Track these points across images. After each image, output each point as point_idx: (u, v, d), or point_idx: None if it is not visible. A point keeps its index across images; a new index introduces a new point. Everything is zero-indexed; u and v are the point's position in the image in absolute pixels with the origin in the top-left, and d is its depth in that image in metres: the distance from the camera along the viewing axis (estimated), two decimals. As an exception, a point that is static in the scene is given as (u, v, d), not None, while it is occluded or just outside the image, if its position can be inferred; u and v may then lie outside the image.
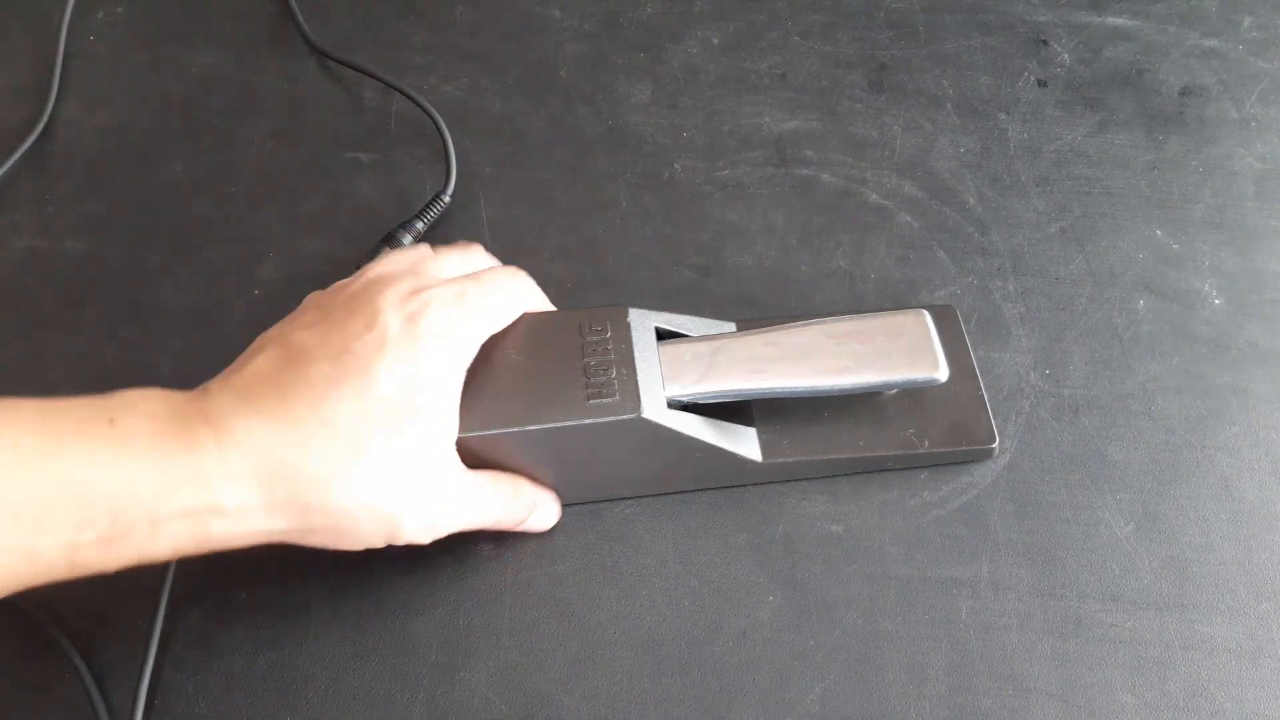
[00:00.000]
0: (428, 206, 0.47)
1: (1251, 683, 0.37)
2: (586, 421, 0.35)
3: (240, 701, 0.36)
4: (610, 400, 0.35)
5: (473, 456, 0.35)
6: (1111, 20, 0.57)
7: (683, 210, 0.49)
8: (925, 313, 0.39)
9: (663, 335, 0.40)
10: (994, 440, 0.41)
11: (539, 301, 0.40)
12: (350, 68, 0.53)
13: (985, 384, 0.42)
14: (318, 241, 0.48)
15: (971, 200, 0.50)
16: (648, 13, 0.57)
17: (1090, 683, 0.37)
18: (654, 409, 0.36)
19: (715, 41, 0.56)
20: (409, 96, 0.51)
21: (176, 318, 0.46)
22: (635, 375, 0.36)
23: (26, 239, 0.48)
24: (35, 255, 0.48)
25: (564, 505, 0.41)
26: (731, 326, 0.43)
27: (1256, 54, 0.55)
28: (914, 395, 0.42)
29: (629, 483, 0.41)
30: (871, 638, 0.38)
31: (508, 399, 0.36)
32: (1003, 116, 0.53)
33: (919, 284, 0.47)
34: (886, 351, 0.38)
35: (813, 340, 0.39)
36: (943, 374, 0.38)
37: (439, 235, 0.48)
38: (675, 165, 0.51)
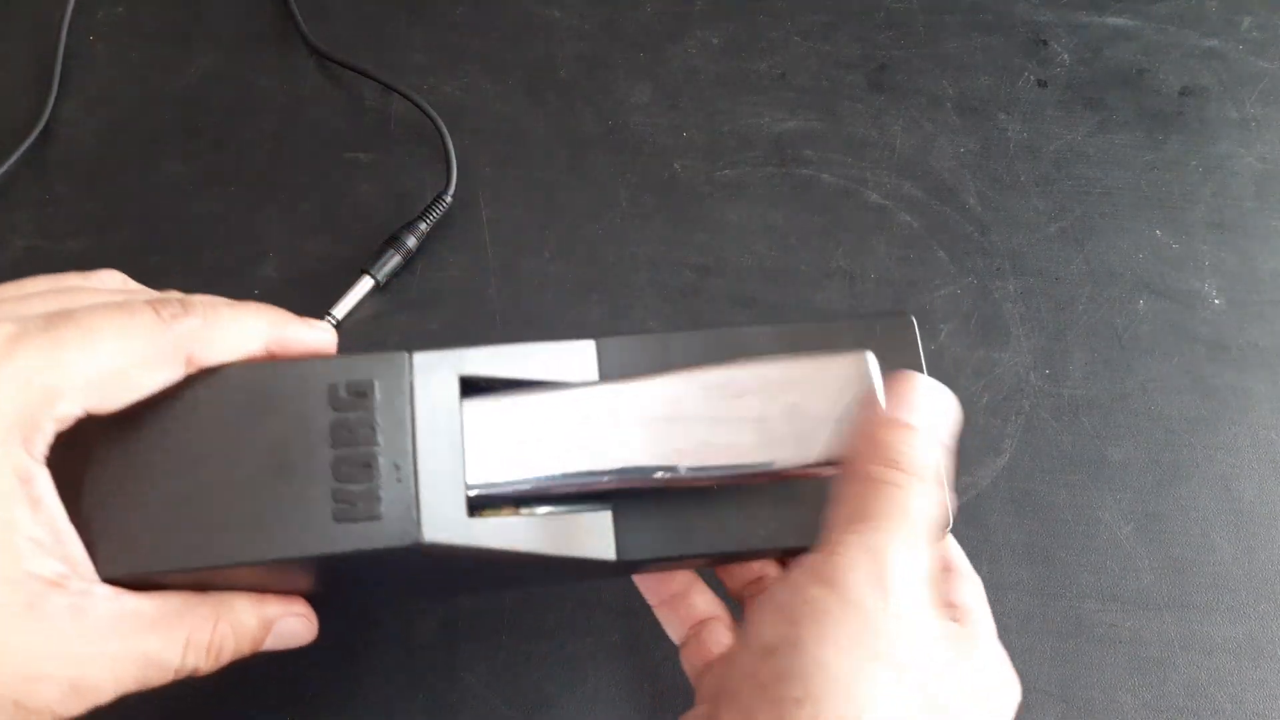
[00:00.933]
0: (430, 207, 0.47)
1: (1251, 683, 0.37)
2: (331, 552, 0.24)
3: (240, 701, 0.36)
4: (369, 524, 0.24)
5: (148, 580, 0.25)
6: (1111, 20, 0.57)
7: (683, 210, 0.49)
8: (868, 358, 0.28)
9: (475, 386, 0.28)
10: (948, 524, 0.29)
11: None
12: (349, 69, 0.53)
13: (985, 384, 0.42)
14: (318, 241, 0.48)
15: (971, 200, 0.50)
16: (648, 13, 0.57)
17: (1090, 683, 0.37)
18: (443, 524, 0.25)
19: (715, 41, 0.56)
20: (408, 98, 0.51)
21: (176, 318, 0.46)
22: (414, 471, 0.24)
23: (26, 239, 0.48)
24: (35, 255, 0.48)
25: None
26: (589, 351, 0.29)
27: (1256, 54, 0.55)
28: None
29: (437, 592, 0.32)
30: (871, 638, 0.38)
31: (192, 511, 0.24)
32: (1003, 116, 0.53)
33: (919, 284, 0.47)
34: (798, 418, 0.27)
35: (694, 396, 0.27)
36: None
37: (440, 235, 0.48)
38: (675, 165, 0.51)
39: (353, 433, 0.24)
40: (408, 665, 0.37)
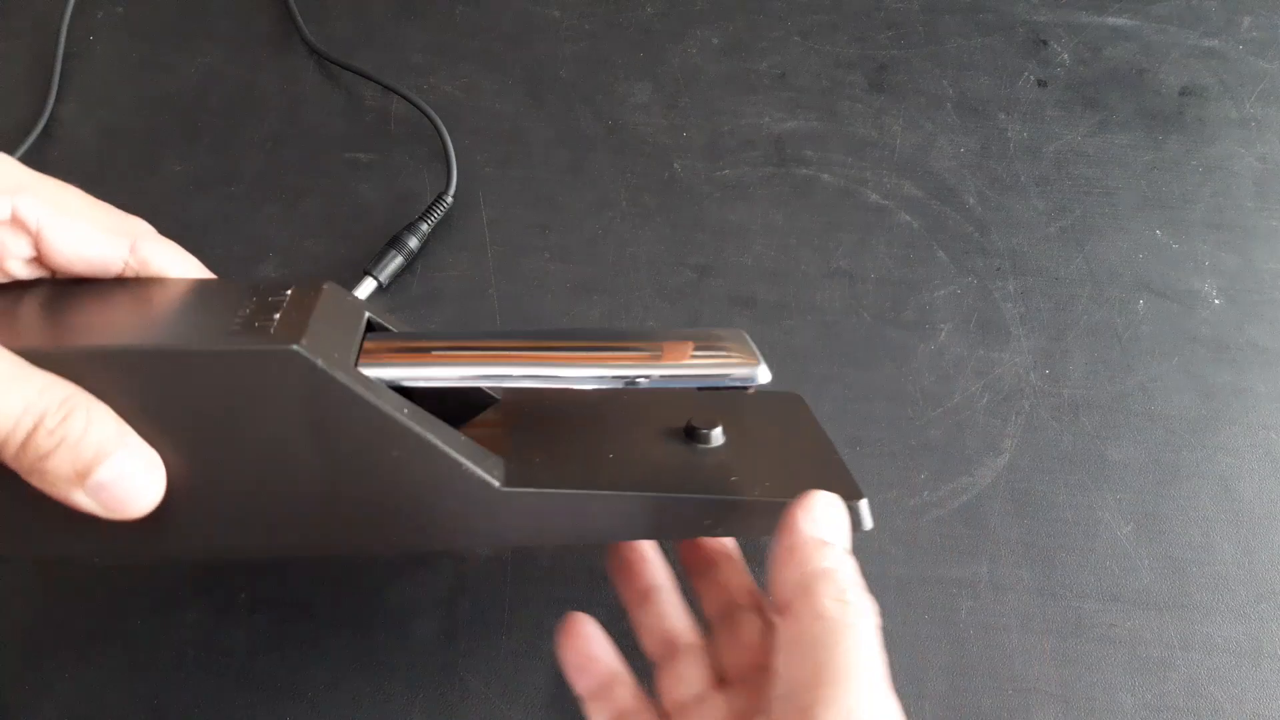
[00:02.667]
0: (431, 208, 0.47)
1: (1251, 683, 0.37)
2: (212, 351, 0.24)
3: (241, 701, 0.36)
4: (256, 335, 0.24)
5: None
6: (1111, 20, 0.57)
7: (683, 210, 0.49)
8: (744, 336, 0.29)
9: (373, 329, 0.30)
10: (860, 496, 0.30)
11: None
12: (349, 69, 0.53)
13: (985, 384, 0.42)
14: (318, 241, 0.48)
15: (971, 200, 0.50)
16: (648, 13, 0.57)
17: (1090, 683, 0.37)
18: (328, 356, 0.25)
19: (715, 41, 0.56)
20: (408, 98, 0.51)
21: (176, 318, 0.46)
22: (309, 317, 0.25)
23: (26, 239, 0.48)
24: (35, 255, 0.48)
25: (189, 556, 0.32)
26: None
27: (1256, 54, 0.55)
28: (744, 446, 0.32)
29: (283, 527, 0.28)
30: (871, 638, 0.38)
31: (110, 316, 0.26)
32: (1003, 116, 0.53)
33: (919, 284, 0.47)
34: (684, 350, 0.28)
35: (579, 339, 0.29)
36: (763, 374, 0.28)
37: (440, 236, 0.48)
38: (675, 165, 0.51)
39: (263, 300, 0.26)
40: (408, 665, 0.37)
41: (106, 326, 0.26)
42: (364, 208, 0.49)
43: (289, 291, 0.27)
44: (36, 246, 0.29)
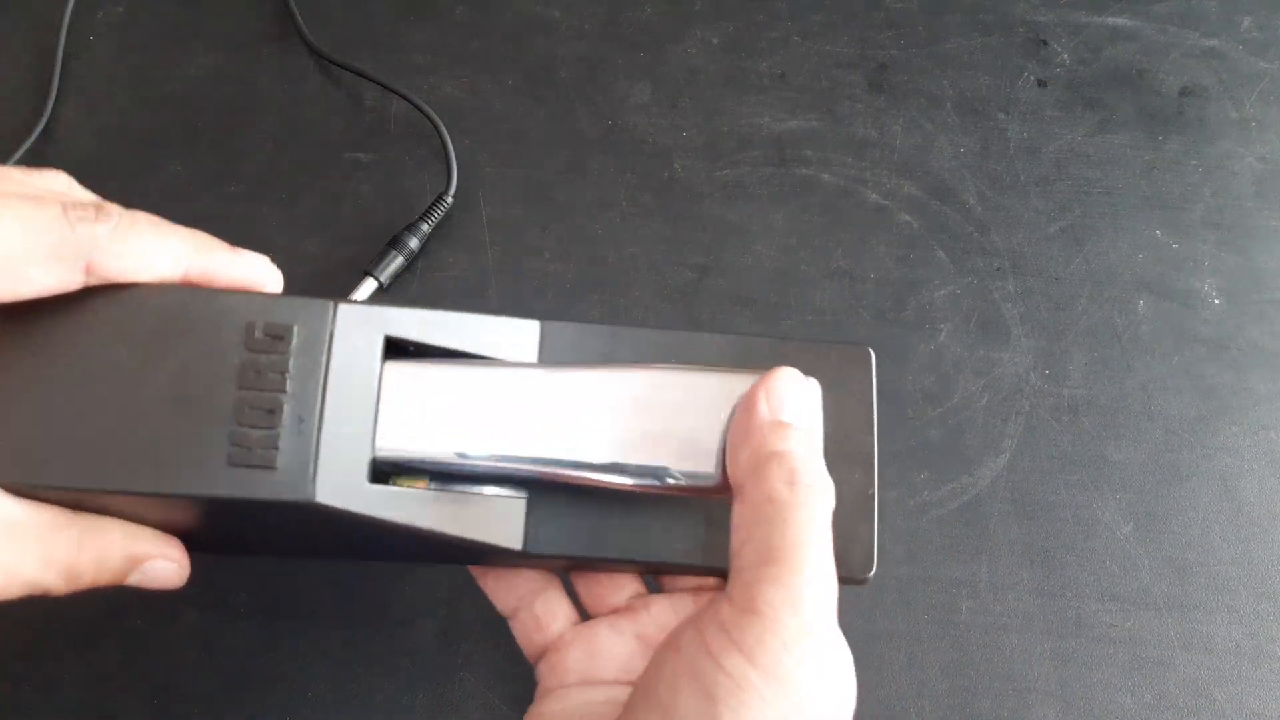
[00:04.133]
0: (431, 208, 0.47)
1: (1251, 683, 0.37)
2: (218, 495, 0.23)
3: (241, 701, 0.36)
4: (263, 473, 0.23)
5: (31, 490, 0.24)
6: (1111, 20, 0.57)
7: (683, 210, 0.49)
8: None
9: (403, 351, 0.27)
10: (870, 568, 0.29)
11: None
12: (349, 69, 0.53)
13: (985, 384, 0.42)
14: (318, 242, 0.48)
15: (971, 200, 0.50)
16: (648, 13, 0.57)
17: (1090, 683, 0.37)
18: (339, 487, 0.23)
19: (715, 41, 0.56)
20: (408, 98, 0.51)
21: (176, 318, 0.46)
22: (318, 426, 0.23)
23: (26, 239, 0.48)
24: (35, 255, 0.48)
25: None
26: (533, 332, 0.28)
27: (1256, 54, 0.55)
28: None
29: (334, 553, 0.30)
30: (871, 638, 0.38)
31: (81, 428, 0.23)
32: (1002, 116, 0.53)
33: (919, 284, 0.47)
34: (711, 433, 0.26)
35: (620, 395, 0.26)
36: (714, 473, 0.26)
37: (440, 236, 0.48)
38: (675, 165, 0.51)
39: (261, 376, 0.23)
40: (408, 665, 0.37)
41: (94, 432, 0.23)
42: (364, 208, 0.49)
43: (293, 346, 0.23)
44: None
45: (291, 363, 0.23)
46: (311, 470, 0.23)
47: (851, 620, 0.38)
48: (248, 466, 0.22)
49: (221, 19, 0.56)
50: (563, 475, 0.26)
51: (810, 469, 0.25)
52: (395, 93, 0.52)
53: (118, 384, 0.23)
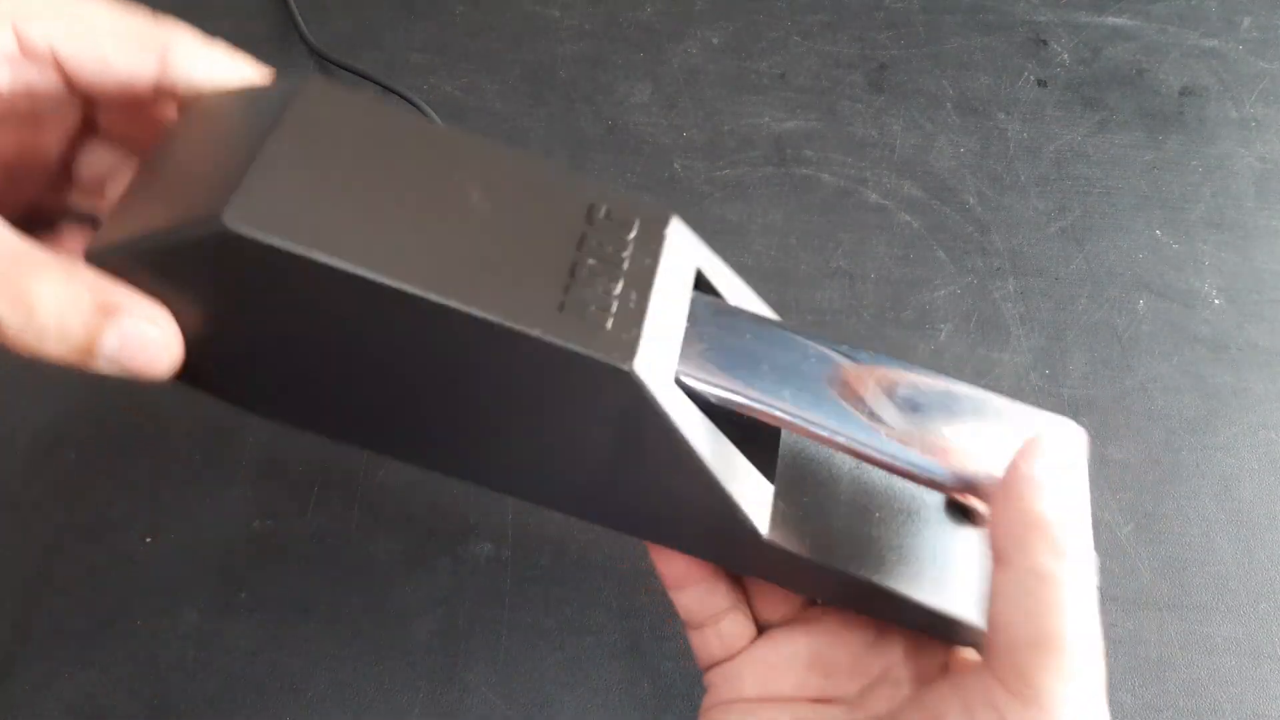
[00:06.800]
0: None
1: (1251, 683, 0.37)
2: (546, 340, 0.21)
3: (241, 701, 0.36)
4: (592, 328, 0.22)
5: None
6: (1111, 20, 0.57)
7: (683, 210, 0.49)
8: (1075, 427, 0.26)
9: (698, 286, 0.27)
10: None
11: None
12: (349, 69, 0.53)
13: (985, 384, 0.42)
14: (318, 241, 0.48)
15: (971, 200, 0.50)
16: (648, 13, 0.57)
17: (1090, 683, 0.37)
18: (653, 369, 0.23)
19: (715, 41, 0.56)
20: (408, 98, 0.51)
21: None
22: (645, 311, 0.23)
23: (26, 239, 0.48)
24: (35, 255, 0.48)
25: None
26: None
27: (1256, 54, 0.55)
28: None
29: (517, 474, 0.27)
30: (871, 638, 0.38)
31: (421, 236, 0.22)
32: (1002, 116, 0.53)
33: (919, 284, 0.47)
34: (996, 447, 0.26)
35: (907, 385, 0.27)
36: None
37: (439, 235, 0.48)
38: (675, 165, 0.51)
39: (602, 247, 0.23)
40: (408, 665, 0.37)
41: (387, 241, 0.21)
42: (364, 208, 0.49)
43: (632, 236, 0.24)
44: (62, 76, 0.24)
45: (630, 251, 0.24)
46: (636, 344, 0.22)
47: (851, 620, 0.38)
48: (580, 317, 0.22)
49: (221, 19, 0.56)
50: (855, 445, 0.25)
51: (1078, 541, 0.24)
52: (395, 93, 0.52)
53: (462, 215, 0.23)
